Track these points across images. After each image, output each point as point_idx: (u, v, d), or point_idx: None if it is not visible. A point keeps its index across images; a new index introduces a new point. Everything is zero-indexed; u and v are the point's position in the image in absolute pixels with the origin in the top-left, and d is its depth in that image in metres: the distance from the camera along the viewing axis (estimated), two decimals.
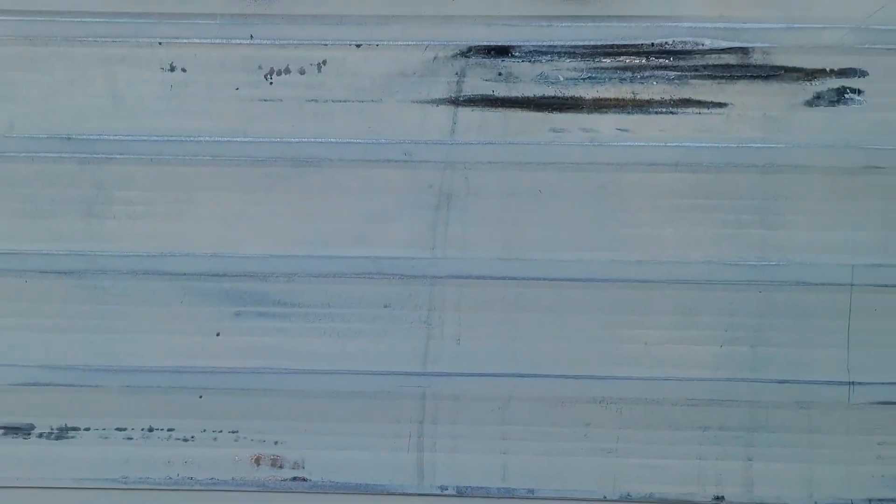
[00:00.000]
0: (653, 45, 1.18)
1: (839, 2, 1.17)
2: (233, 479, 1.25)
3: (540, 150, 1.20)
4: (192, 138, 1.21)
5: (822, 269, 1.19)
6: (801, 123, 1.18)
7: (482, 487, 1.24)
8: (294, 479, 1.25)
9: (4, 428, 1.24)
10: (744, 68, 1.18)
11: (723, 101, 1.18)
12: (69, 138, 1.21)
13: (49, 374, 1.23)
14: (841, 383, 1.20)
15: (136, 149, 1.21)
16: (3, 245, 1.22)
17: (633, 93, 1.19)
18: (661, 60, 1.18)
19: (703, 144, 1.19)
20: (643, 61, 1.18)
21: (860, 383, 1.20)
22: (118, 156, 1.21)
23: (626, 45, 1.18)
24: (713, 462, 1.22)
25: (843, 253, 1.19)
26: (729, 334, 1.21)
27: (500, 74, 1.19)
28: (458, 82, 1.19)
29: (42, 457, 1.25)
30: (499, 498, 1.24)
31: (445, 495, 1.24)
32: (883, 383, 1.20)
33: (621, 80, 1.19)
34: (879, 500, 1.21)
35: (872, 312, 1.19)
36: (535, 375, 1.23)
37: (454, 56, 1.19)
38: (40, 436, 1.25)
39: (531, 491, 1.24)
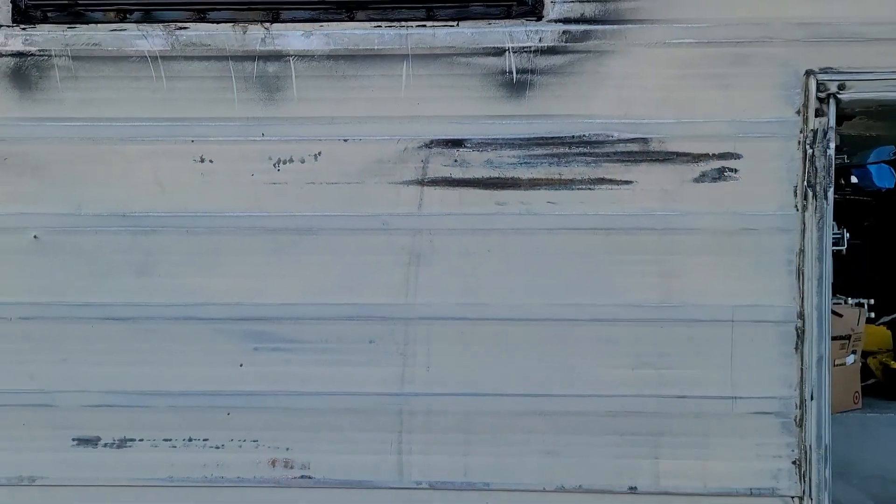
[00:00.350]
0: (573, 136, 1.52)
1: (718, 101, 1.51)
2: (254, 477, 1.60)
3: (488, 219, 1.54)
4: (217, 214, 1.57)
5: (709, 308, 1.53)
6: (691, 196, 1.52)
7: (449, 482, 1.59)
8: (302, 476, 1.60)
9: (77, 440, 1.60)
10: (645, 154, 1.52)
11: (629, 179, 1.52)
12: (124, 216, 1.57)
13: (111, 397, 1.59)
14: (726, 398, 1.53)
15: (175, 223, 1.57)
16: (75, 299, 1.58)
17: (560, 174, 1.53)
18: (580, 148, 1.52)
19: (615, 213, 1.53)
20: (566, 149, 1.52)
21: (741, 398, 1.53)
22: (161, 228, 1.57)
23: (553, 137, 1.52)
24: (628, 460, 1.56)
25: (725, 296, 1.52)
26: (638, 360, 1.55)
27: (455, 161, 1.54)
28: (423, 167, 1.54)
29: (106, 462, 1.60)
30: (461, 490, 1.59)
31: (420, 488, 1.59)
32: (758, 398, 1.53)
33: (550, 164, 1.53)
34: (758, 488, 1.54)
35: (749, 342, 1.53)
36: (489, 394, 1.58)
37: (419, 147, 1.54)
38: (105, 446, 1.60)
39: (486, 484, 1.58)
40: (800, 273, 1.50)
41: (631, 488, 1.56)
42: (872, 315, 8.75)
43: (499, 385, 1.57)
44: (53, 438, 1.60)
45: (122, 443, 1.60)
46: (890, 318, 9.96)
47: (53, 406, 1.59)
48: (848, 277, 8.98)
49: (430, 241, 1.55)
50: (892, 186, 2.89)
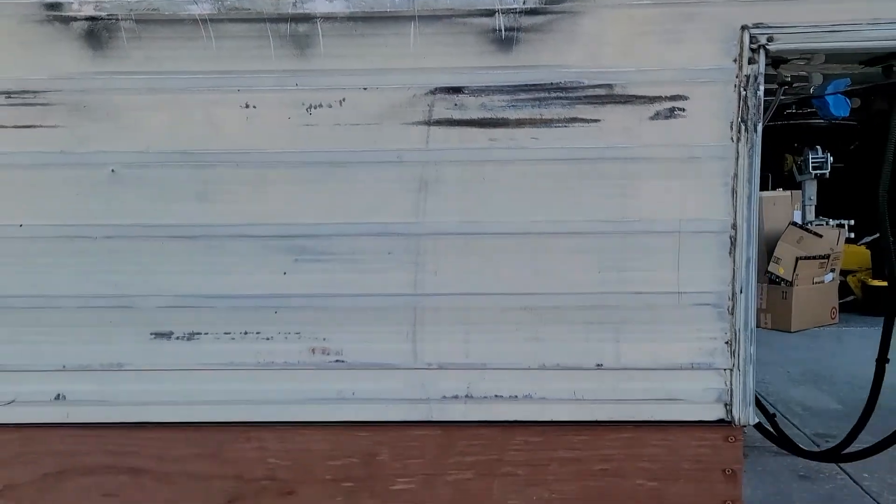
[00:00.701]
0: (552, 83, 1.85)
1: (670, 52, 1.84)
2: (298, 362, 2.00)
3: (482, 152, 1.89)
4: (261, 151, 1.92)
5: (661, 222, 1.90)
6: (647, 131, 1.87)
7: (454, 362, 1.99)
8: (336, 361, 2.00)
9: (154, 334, 1.99)
10: (610, 97, 1.86)
11: (597, 118, 1.87)
12: (185, 153, 1.92)
13: (180, 300, 1.97)
14: (673, 293, 1.92)
15: (227, 158, 1.92)
16: (147, 221, 1.94)
17: (541, 114, 1.87)
18: (557, 93, 1.86)
19: (585, 146, 1.88)
20: (546, 94, 1.86)
21: (685, 293, 1.92)
22: (216, 163, 1.92)
23: (535, 84, 1.86)
24: (595, 343, 1.96)
25: (674, 212, 1.89)
26: (604, 265, 1.93)
27: (455, 105, 1.88)
28: (429, 111, 1.88)
29: (178, 351, 2.00)
30: (464, 369, 1.99)
31: (430, 368, 1.99)
32: (699, 292, 1.92)
33: (532, 106, 1.87)
34: (698, 363, 1.94)
35: (692, 249, 1.90)
36: (484, 294, 1.96)
37: (426, 94, 1.88)
38: (177, 338, 2.00)
39: (484, 364, 1.98)
40: (734, 192, 1.87)
41: (598, 365, 1.97)
42: (853, 235, 9.16)
43: (492, 286, 1.96)
44: (135, 333, 1.99)
45: (191, 336, 2.00)
46: (871, 238, 10.38)
47: (134, 308, 1.98)
48: (831, 200, 9.36)
49: (436, 171, 1.91)
50: (847, 115, 3.18)
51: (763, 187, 9.08)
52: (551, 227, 1.92)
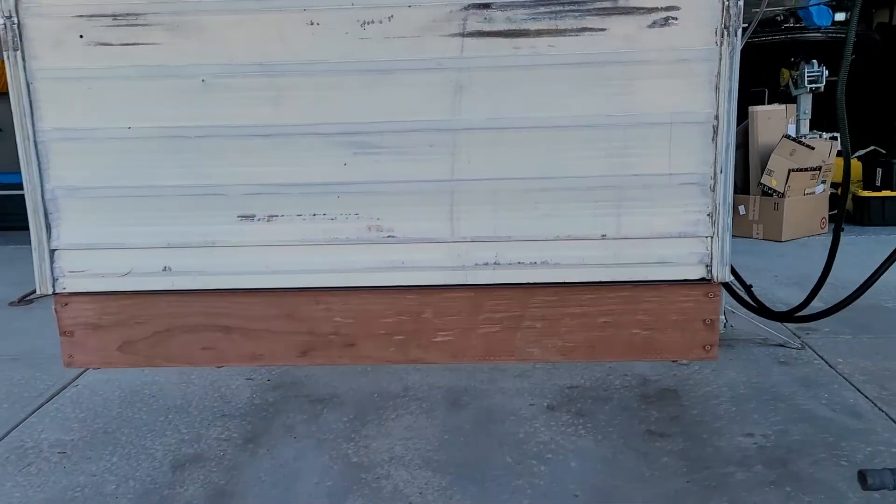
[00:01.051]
0: None
1: None
2: (357, 237, 2.44)
3: (507, 59, 2.28)
4: (324, 61, 2.31)
5: (656, 115, 2.29)
6: (645, 38, 2.25)
7: (484, 235, 2.43)
8: (388, 236, 2.44)
9: (240, 216, 2.43)
10: (614, 9, 2.23)
11: (603, 27, 2.24)
12: (261, 64, 2.31)
13: (261, 188, 2.41)
14: (665, 174, 2.35)
15: (296, 69, 2.31)
16: (231, 122, 2.35)
17: (556, 25, 2.25)
18: (570, 7, 2.23)
19: (594, 51, 2.26)
20: (561, 8, 2.23)
21: (675, 174, 2.34)
22: (287, 73, 2.32)
23: None
24: (600, 218, 2.39)
25: (667, 106, 2.29)
26: (608, 152, 2.34)
27: (485, 19, 2.25)
28: (463, 24, 2.26)
29: (259, 230, 2.44)
30: (492, 241, 2.43)
31: (465, 241, 2.44)
32: (687, 173, 2.34)
33: (549, 18, 2.25)
34: (685, 232, 2.39)
35: (682, 137, 2.31)
36: (509, 178, 2.38)
37: (460, 10, 2.25)
38: (258, 220, 2.44)
39: (509, 236, 2.43)
40: (717, 89, 2.26)
41: (602, 235, 2.41)
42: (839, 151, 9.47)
43: (515, 172, 2.38)
44: (225, 216, 2.43)
45: (270, 218, 2.44)
46: (865, 151, 10.73)
47: (224, 195, 2.41)
48: (825, 113, 9.65)
49: (469, 76, 2.30)
50: (829, 24, 3.50)
51: (759, 102, 9.38)
52: (565, 121, 2.33)
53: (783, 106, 8.60)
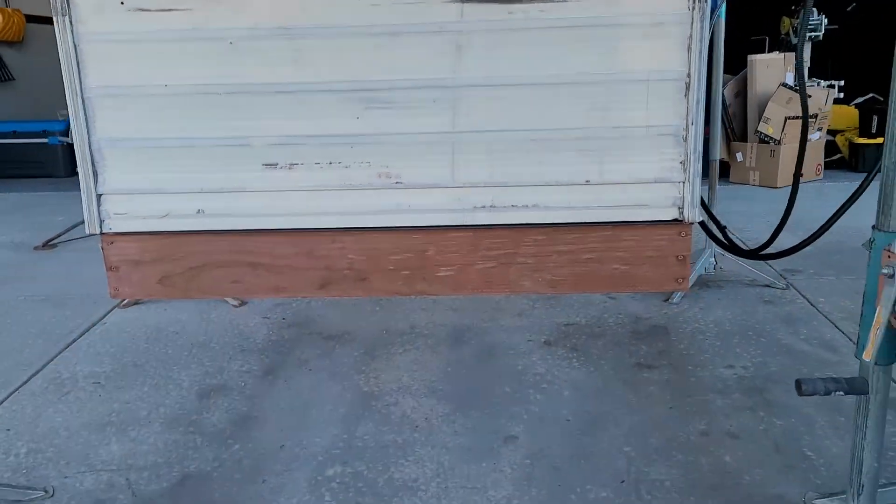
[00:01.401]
0: None
1: None
2: (369, 183, 2.75)
3: (502, 23, 2.54)
4: (339, 25, 2.57)
5: (635, 73, 2.56)
6: (625, 3, 2.51)
7: (481, 181, 2.73)
8: (396, 182, 2.75)
9: (265, 165, 2.74)
10: None
11: None
12: (283, 28, 2.58)
13: (283, 139, 2.70)
14: (643, 126, 2.62)
15: (313, 32, 2.58)
16: (257, 80, 2.64)
17: None
18: None
19: (579, 16, 2.52)
20: None
21: (652, 126, 2.62)
22: (305, 36, 2.59)
23: None
24: (584, 166, 2.69)
25: (645, 65, 2.56)
26: (593, 106, 2.62)
27: None
28: None
29: (282, 177, 2.75)
30: (489, 186, 2.74)
31: (464, 186, 2.73)
32: (663, 125, 2.62)
33: None
34: (660, 178, 2.68)
35: (658, 93, 2.59)
36: (503, 130, 2.67)
37: None
38: (280, 168, 2.74)
39: (504, 182, 2.72)
40: (689, 49, 2.53)
41: (586, 181, 2.71)
42: (842, 96, 9.64)
43: (509, 125, 2.67)
44: (251, 165, 2.74)
45: (291, 166, 2.74)
46: (864, 98, 10.84)
47: (250, 146, 2.71)
48: (823, 62, 9.75)
49: (468, 38, 2.57)
50: None
51: (759, 50, 9.49)
52: (553, 79, 2.60)
53: (782, 55, 8.74)
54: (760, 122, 8.50)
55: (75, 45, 2.61)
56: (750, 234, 6.48)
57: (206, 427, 2.75)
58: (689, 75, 2.56)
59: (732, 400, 2.93)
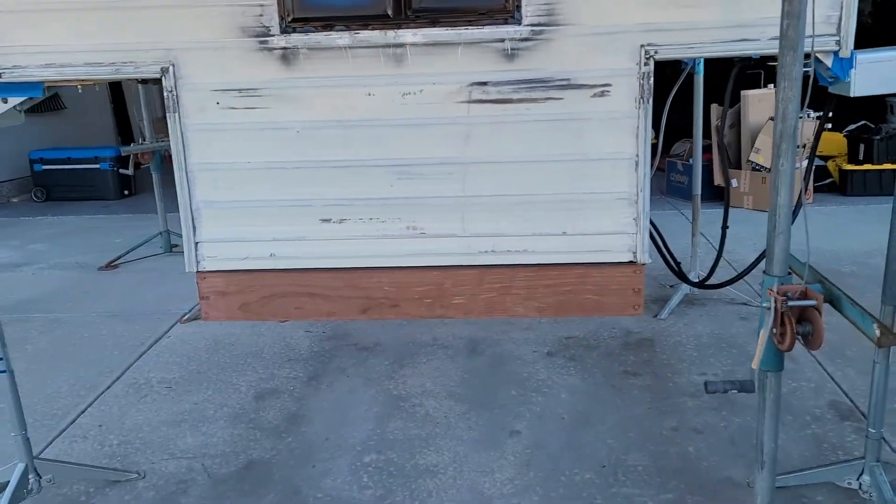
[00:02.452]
0: (537, 79, 3.33)
1: (603, 59, 3.31)
2: (400, 234, 3.63)
3: (499, 117, 3.40)
4: (378, 118, 3.46)
5: (599, 154, 3.41)
6: (591, 104, 3.37)
7: (485, 232, 3.59)
8: (420, 234, 3.63)
9: (321, 220, 3.61)
10: (569, 85, 3.34)
11: (562, 97, 3.36)
12: (337, 121, 3.48)
13: (335, 201, 3.58)
14: (606, 193, 3.47)
15: (360, 123, 3.47)
16: (316, 157, 3.53)
17: (531, 96, 3.36)
18: (539, 84, 3.34)
19: (556, 112, 3.38)
20: (533, 85, 3.34)
21: (613, 192, 3.47)
22: (354, 126, 3.48)
23: (528, 79, 3.34)
24: (563, 221, 3.52)
25: (606, 148, 3.41)
26: (570, 178, 3.47)
27: (484, 92, 3.39)
28: (469, 95, 3.40)
29: (335, 229, 3.63)
30: (492, 236, 3.60)
31: (473, 236, 3.60)
32: (620, 191, 3.46)
33: (526, 91, 3.36)
34: (618, 231, 3.53)
35: (616, 168, 3.44)
36: (503, 195, 3.54)
37: (467, 86, 3.38)
38: (333, 222, 3.63)
39: (502, 233, 3.58)
40: (637, 136, 3.38)
41: (563, 232, 3.57)
42: (829, 126, 10.35)
43: (506, 190, 3.53)
44: (311, 220, 3.62)
45: (341, 221, 3.63)
46: (856, 126, 11.62)
47: (310, 206, 3.60)
48: (814, 94, 10.43)
49: (474, 128, 3.44)
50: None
51: (755, 85, 10.26)
52: (537, 157, 3.47)
53: (773, 90, 9.46)
54: (752, 152, 9.25)
55: (182, 133, 3.53)
56: (737, 255, 7.03)
57: (263, 423, 3.10)
58: (637, 155, 3.42)
59: (701, 401, 3.26)
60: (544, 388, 3.26)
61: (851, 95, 3.19)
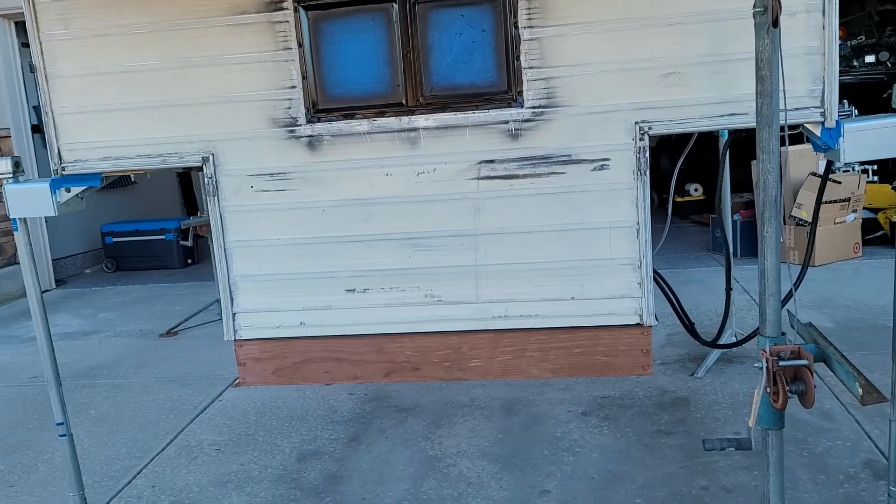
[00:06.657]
0: (540, 156, 3.59)
1: (601, 135, 3.56)
2: (418, 301, 3.88)
3: (506, 192, 3.67)
4: (395, 196, 3.78)
5: (600, 223, 3.63)
6: (591, 177, 3.60)
7: (498, 299, 3.82)
8: (438, 301, 3.87)
9: (346, 290, 3.91)
10: (570, 161, 3.59)
11: (564, 172, 3.60)
12: (357, 199, 3.81)
13: (357, 272, 3.87)
14: (609, 259, 3.67)
15: (379, 201, 3.79)
16: (338, 233, 3.86)
17: (535, 171, 3.62)
18: (543, 161, 3.60)
19: (559, 186, 3.63)
20: (537, 161, 3.61)
21: (616, 259, 3.66)
22: (373, 204, 3.80)
23: (532, 156, 3.60)
24: (571, 286, 3.72)
25: (606, 217, 3.62)
26: (572, 246, 3.69)
27: (492, 169, 3.67)
28: (478, 172, 3.68)
29: (358, 298, 3.91)
30: (504, 302, 3.82)
31: (486, 302, 3.83)
32: (623, 258, 3.65)
33: (531, 167, 3.62)
34: (624, 294, 3.70)
35: (618, 236, 3.64)
36: (511, 263, 3.76)
37: (476, 164, 3.67)
38: (357, 292, 3.91)
39: (513, 298, 3.79)
40: (636, 206, 3.58)
41: (572, 297, 3.76)
42: (876, 179, 10.27)
43: (515, 259, 3.76)
44: (337, 290, 3.92)
45: (365, 290, 3.92)
46: None
47: (335, 277, 3.90)
48: None
49: (483, 202, 3.71)
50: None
51: (795, 142, 10.28)
52: (544, 228, 3.70)
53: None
54: (794, 208, 9.24)
55: (221, 214, 3.91)
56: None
57: (304, 483, 3.20)
58: (638, 223, 3.61)
59: (733, 461, 3.22)
60: (576, 448, 3.31)
61: (842, 162, 3.33)
